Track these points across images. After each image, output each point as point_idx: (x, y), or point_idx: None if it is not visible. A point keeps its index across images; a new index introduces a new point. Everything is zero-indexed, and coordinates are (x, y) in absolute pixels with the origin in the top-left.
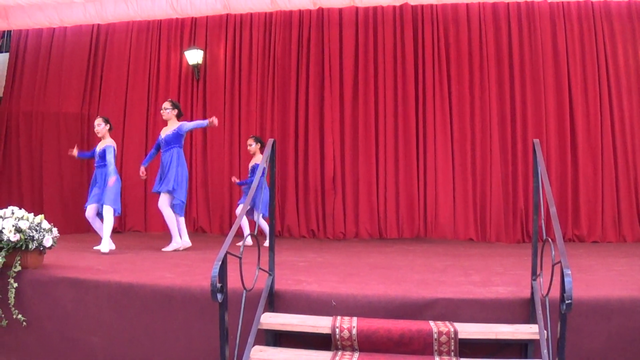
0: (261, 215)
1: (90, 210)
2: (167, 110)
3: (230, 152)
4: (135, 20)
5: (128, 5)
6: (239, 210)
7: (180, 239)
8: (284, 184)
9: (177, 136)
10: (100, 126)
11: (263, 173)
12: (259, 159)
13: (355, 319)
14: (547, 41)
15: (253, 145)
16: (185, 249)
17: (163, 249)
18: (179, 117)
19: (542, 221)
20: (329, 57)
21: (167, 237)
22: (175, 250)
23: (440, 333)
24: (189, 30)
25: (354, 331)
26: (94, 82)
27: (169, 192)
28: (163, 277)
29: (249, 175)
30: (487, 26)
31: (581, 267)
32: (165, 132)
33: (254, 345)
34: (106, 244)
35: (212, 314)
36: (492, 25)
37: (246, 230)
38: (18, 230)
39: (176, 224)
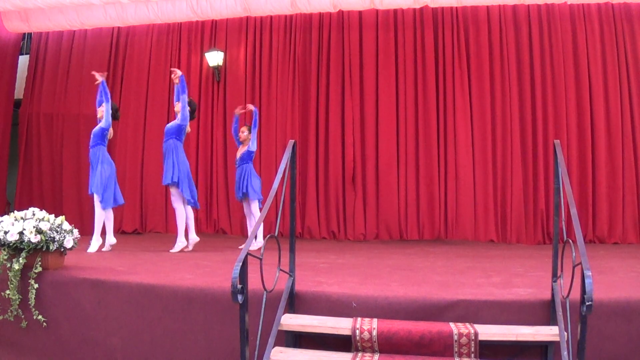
0: (256, 202)
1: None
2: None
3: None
4: (156, 22)
5: (148, 8)
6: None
7: (188, 236)
8: (305, 185)
9: (178, 128)
10: (101, 108)
11: (250, 159)
12: (252, 147)
13: (375, 320)
14: (568, 42)
15: (246, 133)
16: (195, 245)
17: (170, 251)
18: (192, 117)
19: (563, 222)
20: (349, 59)
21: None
22: (181, 251)
23: (460, 334)
24: (209, 32)
25: (374, 332)
26: (114, 84)
27: (174, 185)
28: (183, 278)
29: (237, 165)
30: (507, 28)
31: (602, 268)
32: (169, 124)
33: (274, 347)
34: (95, 244)
35: (232, 315)
36: (512, 27)
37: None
38: (39, 231)
39: (185, 222)
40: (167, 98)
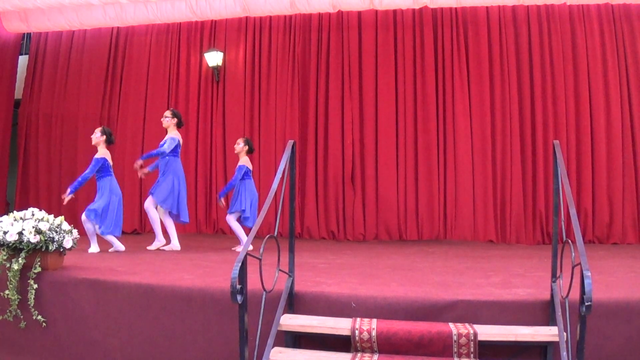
0: (237, 217)
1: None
2: (167, 119)
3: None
4: (155, 23)
5: (147, 8)
6: (228, 217)
7: (170, 241)
8: (304, 185)
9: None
10: (95, 135)
11: (247, 176)
12: (244, 161)
13: (374, 320)
14: (567, 43)
15: (241, 145)
16: (170, 250)
17: (148, 247)
18: (179, 126)
19: (562, 223)
20: (349, 59)
21: (186, 238)
22: (158, 249)
23: (460, 335)
24: (209, 32)
25: (374, 333)
26: (113, 84)
27: (151, 195)
28: (182, 279)
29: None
30: (507, 29)
31: (601, 268)
32: (161, 142)
33: (273, 347)
34: (94, 247)
35: (231, 315)
36: (512, 27)
37: (241, 236)
38: (38, 231)
39: (159, 224)
40: (166, 98)
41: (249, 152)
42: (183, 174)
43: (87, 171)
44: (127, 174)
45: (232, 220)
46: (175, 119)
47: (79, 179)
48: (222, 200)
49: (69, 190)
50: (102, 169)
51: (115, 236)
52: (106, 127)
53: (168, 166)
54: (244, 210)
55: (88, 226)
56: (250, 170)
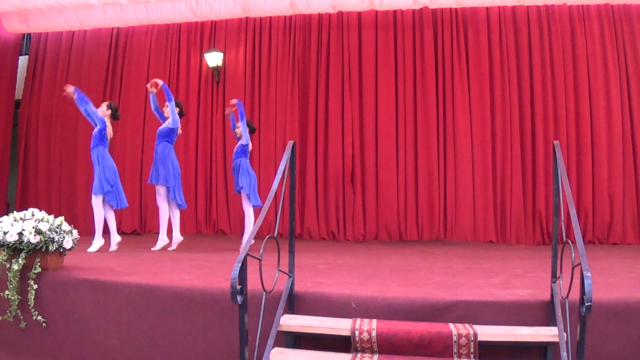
0: (249, 202)
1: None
2: (169, 108)
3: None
4: (155, 23)
5: (148, 9)
6: (244, 207)
7: (172, 235)
8: (304, 186)
9: (169, 131)
10: (101, 108)
11: (245, 154)
12: (244, 141)
13: (374, 321)
14: (567, 43)
15: (242, 128)
16: (178, 244)
17: (152, 249)
18: (180, 116)
19: (562, 223)
20: (349, 59)
21: (186, 238)
22: (163, 249)
23: (459, 335)
24: (209, 33)
25: (374, 333)
26: (113, 85)
27: (164, 186)
28: (183, 279)
29: (234, 158)
30: (507, 29)
31: (601, 269)
32: (162, 126)
33: (273, 347)
34: (96, 243)
35: (231, 315)
36: (512, 28)
37: (247, 230)
38: (38, 232)
39: (167, 222)
40: None
41: (251, 133)
42: (177, 160)
43: (93, 107)
44: (127, 174)
45: (249, 208)
46: (177, 109)
47: (85, 96)
48: (233, 105)
49: (76, 92)
50: (98, 137)
51: (123, 207)
52: (112, 103)
53: (163, 151)
54: (242, 188)
55: (97, 212)
56: (249, 149)
